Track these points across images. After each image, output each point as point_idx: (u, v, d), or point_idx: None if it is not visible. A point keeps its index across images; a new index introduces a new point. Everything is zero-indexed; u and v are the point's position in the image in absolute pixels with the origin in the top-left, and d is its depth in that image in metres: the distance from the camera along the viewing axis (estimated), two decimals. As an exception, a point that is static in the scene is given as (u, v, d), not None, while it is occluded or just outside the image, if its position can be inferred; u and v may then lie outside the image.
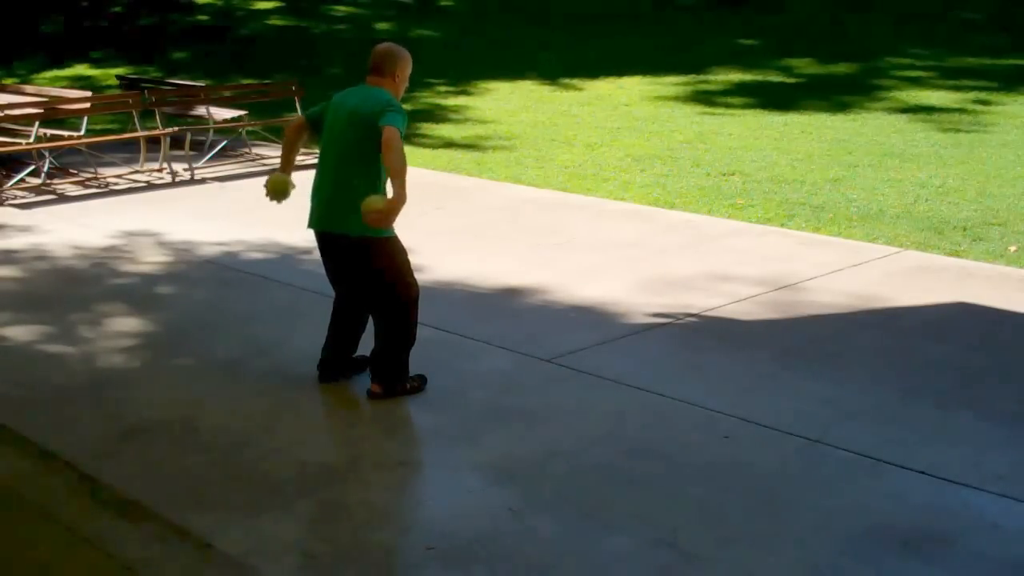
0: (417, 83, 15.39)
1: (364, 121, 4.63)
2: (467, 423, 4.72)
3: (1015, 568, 3.55)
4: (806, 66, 16.09)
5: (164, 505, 3.99)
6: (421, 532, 3.86)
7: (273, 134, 12.12)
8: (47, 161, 10.28)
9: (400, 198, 4.40)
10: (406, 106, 5.22)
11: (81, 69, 18.30)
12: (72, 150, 10.83)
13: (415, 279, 4.92)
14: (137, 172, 10.51)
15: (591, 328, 5.89)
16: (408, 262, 4.89)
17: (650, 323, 5.96)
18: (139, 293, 6.69)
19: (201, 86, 12.24)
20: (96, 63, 18.69)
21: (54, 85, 15.92)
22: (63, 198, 9.54)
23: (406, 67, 4.83)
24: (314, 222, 4.88)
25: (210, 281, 6.95)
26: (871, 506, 3.94)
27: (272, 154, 11.45)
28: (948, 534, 3.74)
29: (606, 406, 4.87)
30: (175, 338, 5.88)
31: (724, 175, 9.83)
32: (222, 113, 11.44)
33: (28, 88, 12.63)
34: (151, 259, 7.44)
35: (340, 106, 4.79)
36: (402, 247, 4.86)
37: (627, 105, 13.84)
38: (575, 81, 15.62)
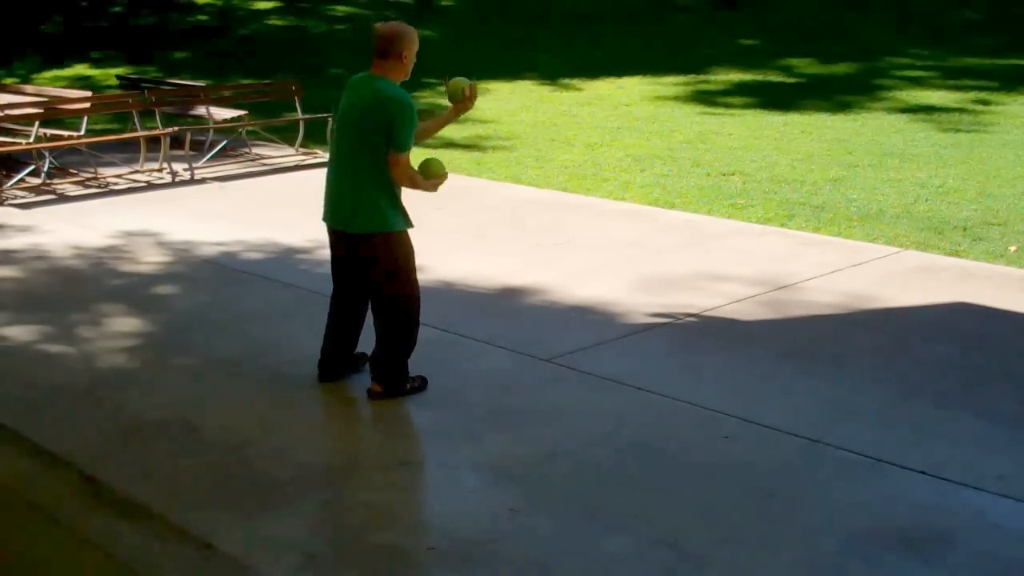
0: (417, 83, 15.38)
1: (373, 124, 4.62)
2: (467, 423, 4.71)
3: (1015, 568, 3.56)
4: (806, 66, 16.10)
5: (164, 505, 3.99)
6: (421, 532, 3.86)
7: (273, 134, 12.13)
8: (47, 161, 10.27)
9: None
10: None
11: (81, 69, 18.30)
12: (72, 150, 10.82)
13: (417, 281, 4.93)
14: (137, 172, 10.51)
15: (591, 328, 5.88)
16: (414, 263, 4.90)
17: (650, 323, 5.96)
18: (139, 293, 6.68)
19: (201, 86, 12.23)
20: (96, 63, 18.68)
21: (54, 85, 15.92)
22: (63, 198, 9.54)
23: (413, 45, 4.71)
24: (326, 216, 4.91)
25: (210, 281, 6.95)
26: (871, 506, 3.94)
27: (272, 154, 11.45)
28: (948, 534, 3.74)
29: (606, 406, 4.87)
30: (175, 338, 5.88)
31: (724, 175, 9.83)
32: (222, 113, 11.43)
33: (28, 88, 12.63)
34: (151, 259, 7.44)
35: (353, 99, 4.72)
36: (410, 245, 4.87)
37: (627, 105, 13.84)
38: (575, 81, 15.62)
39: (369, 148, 4.65)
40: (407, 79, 4.75)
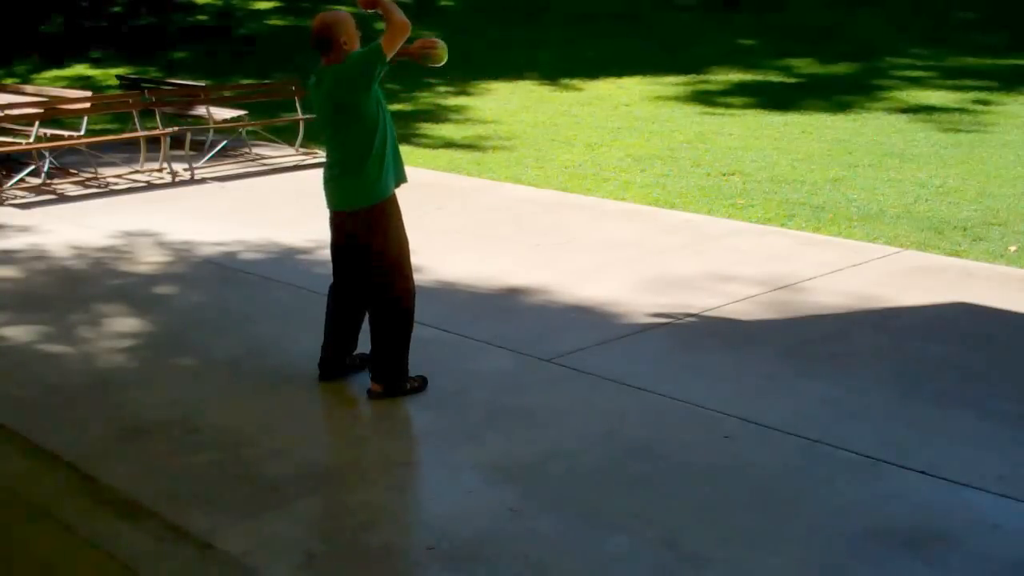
0: (417, 83, 15.41)
1: (346, 97, 4.69)
2: (467, 423, 4.71)
3: (1015, 568, 3.55)
4: (806, 66, 16.09)
5: (164, 505, 4.00)
6: (421, 532, 3.86)
7: (273, 134, 12.13)
8: (47, 161, 10.28)
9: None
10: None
11: (81, 69, 18.30)
12: (72, 150, 10.83)
13: (412, 275, 4.95)
14: (137, 172, 10.51)
15: (591, 328, 5.88)
16: (407, 254, 4.94)
17: (650, 323, 5.96)
18: (139, 293, 6.69)
19: (201, 86, 12.23)
20: (96, 63, 18.69)
21: (54, 85, 15.92)
22: (63, 198, 9.54)
23: (348, 27, 4.75)
24: (328, 203, 4.99)
25: (210, 281, 6.95)
26: (871, 506, 3.94)
27: (272, 154, 11.45)
28: (948, 534, 3.74)
29: (606, 406, 4.87)
30: (175, 338, 5.88)
31: (724, 175, 9.83)
32: (222, 113, 11.44)
33: (28, 88, 12.64)
34: (151, 259, 7.44)
35: (318, 92, 4.83)
36: (400, 224, 4.90)
37: (627, 105, 13.84)
38: (575, 81, 15.62)
39: (350, 129, 4.72)
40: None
